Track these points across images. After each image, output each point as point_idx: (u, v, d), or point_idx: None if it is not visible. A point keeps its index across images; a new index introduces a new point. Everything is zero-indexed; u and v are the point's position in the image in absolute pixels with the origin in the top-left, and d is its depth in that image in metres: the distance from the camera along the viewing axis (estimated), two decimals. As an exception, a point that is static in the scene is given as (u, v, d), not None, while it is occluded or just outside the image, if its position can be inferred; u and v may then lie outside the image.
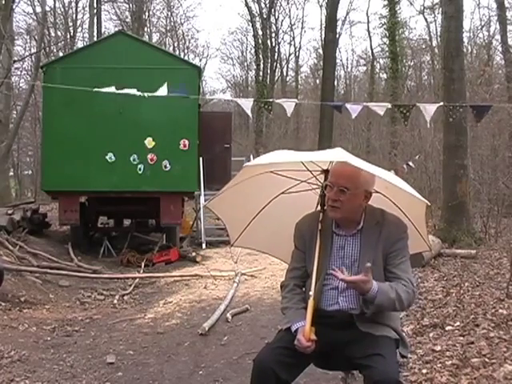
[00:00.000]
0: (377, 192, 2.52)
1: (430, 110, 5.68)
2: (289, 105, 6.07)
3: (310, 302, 2.31)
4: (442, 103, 6.19)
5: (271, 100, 6.39)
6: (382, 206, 2.51)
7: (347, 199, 2.35)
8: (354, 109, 5.87)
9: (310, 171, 2.61)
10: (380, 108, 6.09)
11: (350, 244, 2.42)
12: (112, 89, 5.91)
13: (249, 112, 6.38)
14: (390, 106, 6.22)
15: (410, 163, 10.71)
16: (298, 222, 2.56)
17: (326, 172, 2.54)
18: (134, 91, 6.03)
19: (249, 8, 26.92)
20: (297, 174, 2.64)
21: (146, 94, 6.00)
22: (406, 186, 2.34)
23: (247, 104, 6.21)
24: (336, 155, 2.35)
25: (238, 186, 2.60)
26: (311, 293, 2.33)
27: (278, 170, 2.60)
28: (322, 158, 2.47)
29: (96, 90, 6.12)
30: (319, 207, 2.54)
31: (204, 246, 10.28)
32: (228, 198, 2.66)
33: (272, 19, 27.77)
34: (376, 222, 2.41)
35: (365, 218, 2.43)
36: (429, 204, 2.37)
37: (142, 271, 8.44)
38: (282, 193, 2.73)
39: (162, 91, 5.83)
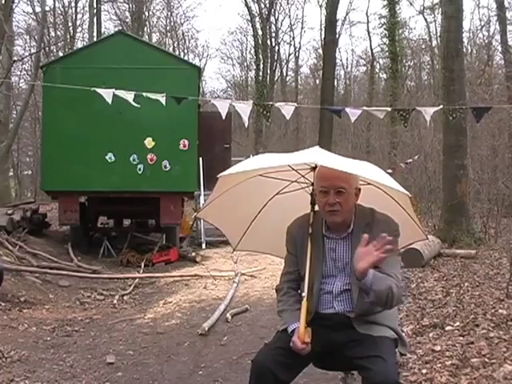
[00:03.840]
0: (369, 184, 2.49)
1: (429, 112, 5.68)
2: (288, 109, 6.04)
3: (304, 304, 2.31)
4: (441, 106, 6.19)
5: (270, 104, 6.32)
6: (375, 197, 2.48)
7: (345, 200, 2.32)
8: (353, 112, 5.85)
9: (297, 171, 2.59)
10: (380, 112, 6.09)
11: (342, 247, 2.41)
12: (110, 91, 5.92)
13: (246, 119, 6.25)
14: (389, 109, 6.23)
15: (409, 160, 10.75)
16: (289, 226, 2.54)
17: (314, 169, 2.49)
18: (131, 95, 6.03)
19: (249, 8, 26.95)
20: (285, 174, 2.61)
21: (144, 94, 6.01)
22: (387, 178, 2.29)
23: (245, 109, 6.10)
24: (311, 156, 2.30)
25: (229, 193, 2.59)
26: (304, 294, 2.33)
27: (266, 173, 2.58)
28: (298, 160, 2.40)
29: (95, 89, 6.14)
30: (310, 207, 2.52)
31: (204, 246, 10.27)
32: (220, 206, 2.65)
33: (272, 19, 27.82)
34: (366, 223, 2.37)
35: (355, 220, 2.40)
36: (409, 195, 2.35)
37: (141, 271, 8.44)
38: (277, 194, 2.73)
39: (161, 99, 5.86)
